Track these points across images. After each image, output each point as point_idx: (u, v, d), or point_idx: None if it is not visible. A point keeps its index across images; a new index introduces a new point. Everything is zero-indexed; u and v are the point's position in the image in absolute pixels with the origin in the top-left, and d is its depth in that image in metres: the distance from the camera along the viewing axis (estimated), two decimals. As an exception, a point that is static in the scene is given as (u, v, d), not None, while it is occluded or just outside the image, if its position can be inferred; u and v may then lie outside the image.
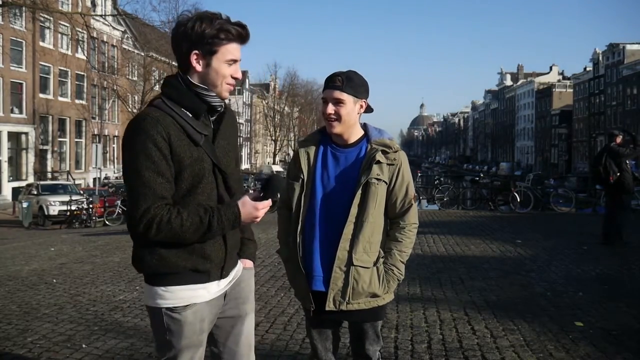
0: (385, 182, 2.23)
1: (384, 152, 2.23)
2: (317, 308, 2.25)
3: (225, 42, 1.76)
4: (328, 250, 2.22)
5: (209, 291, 1.86)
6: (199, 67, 1.78)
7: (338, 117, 2.20)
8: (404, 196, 2.27)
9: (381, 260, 2.27)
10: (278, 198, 1.83)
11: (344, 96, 2.18)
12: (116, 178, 34.33)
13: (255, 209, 1.76)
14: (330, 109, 2.19)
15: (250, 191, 1.91)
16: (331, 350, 2.37)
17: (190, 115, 1.78)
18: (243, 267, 2.05)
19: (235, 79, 1.82)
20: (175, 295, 1.79)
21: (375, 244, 2.24)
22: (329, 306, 2.20)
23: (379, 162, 2.20)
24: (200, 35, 1.73)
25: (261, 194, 1.78)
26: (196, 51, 1.76)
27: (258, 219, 1.78)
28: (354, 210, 2.19)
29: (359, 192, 2.19)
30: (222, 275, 1.90)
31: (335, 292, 2.20)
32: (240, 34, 1.79)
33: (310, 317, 2.34)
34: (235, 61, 1.81)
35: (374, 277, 2.23)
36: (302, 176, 2.26)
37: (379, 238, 2.27)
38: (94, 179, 28.19)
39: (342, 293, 2.20)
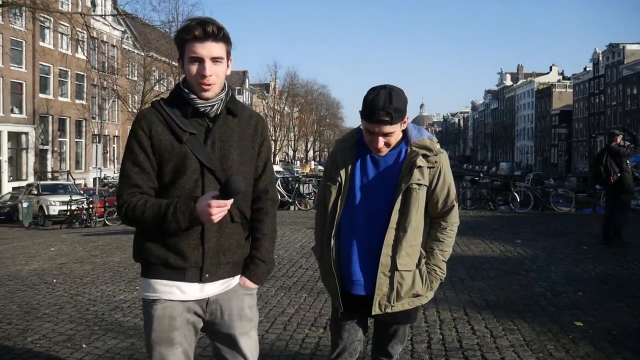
0: (426, 185, 2.18)
1: (425, 156, 2.16)
2: (353, 309, 2.25)
3: (187, 42, 1.82)
4: (368, 255, 2.19)
5: (184, 291, 1.87)
6: (182, 71, 1.89)
7: (388, 145, 2.16)
8: (445, 197, 2.23)
9: (423, 260, 2.26)
10: (234, 199, 1.78)
11: (394, 127, 2.10)
12: (114, 178, 34.32)
13: (208, 206, 1.72)
14: (382, 142, 2.12)
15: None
16: (350, 351, 2.34)
17: (180, 114, 1.87)
18: (239, 284, 1.99)
19: (202, 76, 1.82)
20: (150, 288, 1.88)
21: (416, 246, 2.23)
22: (375, 310, 2.19)
23: (419, 167, 2.14)
24: (176, 39, 1.87)
25: (219, 194, 1.76)
26: (179, 56, 1.88)
27: (213, 217, 1.73)
28: (394, 216, 2.15)
29: (400, 198, 2.15)
30: (202, 278, 1.86)
31: (381, 297, 2.19)
32: (195, 33, 1.79)
33: (337, 316, 2.33)
34: (198, 59, 1.82)
35: (417, 278, 2.22)
36: (339, 179, 2.21)
37: (420, 240, 2.25)
38: (94, 179, 28.19)
39: (387, 297, 2.19)
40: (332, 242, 2.23)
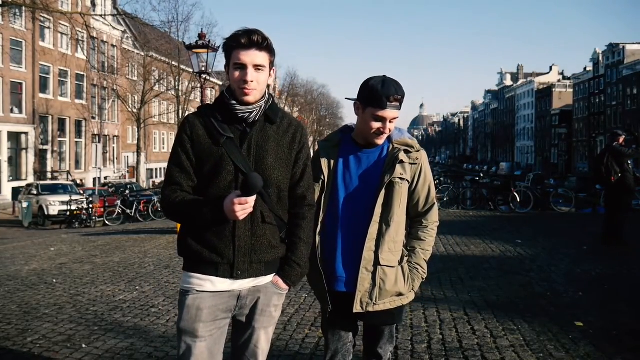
0: (408, 181, 2.23)
1: (407, 152, 2.24)
2: (339, 309, 2.25)
3: (233, 49, 1.95)
4: (351, 251, 2.21)
5: (215, 285, 1.97)
6: (228, 78, 1.99)
7: (389, 132, 2.21)
8: (426, 195, 2.28)
9: (405, 259, 2.27)
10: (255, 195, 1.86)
11: (399, 114, 2.20)
12: (116, 177, 34.31)
13: (231, 203, 1.82)
14: (388, 128, 2.19)
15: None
16: (343, 353, 2.34)
17: (220, 119, 1.99)
18: (272, 282, 2.06)
19: (244, 81, 1.94)
20: (186, 280, 2.01)
21: (399, 243, 2.25)
22: (357, 308, 2.19)
23: (401, 162, 2.21)
24: (224, 47, 2.00)
25: (240, 192, 1.86)
26: (225, 64, 2.00)
27: (237, 214, 1.83)
28: (378, 210, 2.18)
29: (383, 191, 2.18)
30: (233, 274, 1.96)
31: (363, 294, 2.19)
32: (241, 40, 1.92)
33: (327, 317, 2.33)
34: (242, 65, 1.94)
35: (400, 276, 2.23)
36: (322, 177, 2.25)
37: (402, 237, 2.28)
38: (94, 179, 28.21)
39: (370, 294, 2.19)
40: (317, 239, 2.25)
